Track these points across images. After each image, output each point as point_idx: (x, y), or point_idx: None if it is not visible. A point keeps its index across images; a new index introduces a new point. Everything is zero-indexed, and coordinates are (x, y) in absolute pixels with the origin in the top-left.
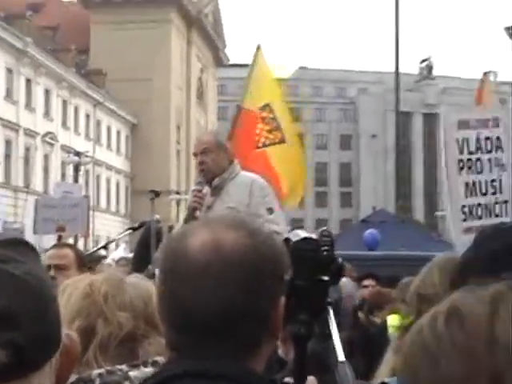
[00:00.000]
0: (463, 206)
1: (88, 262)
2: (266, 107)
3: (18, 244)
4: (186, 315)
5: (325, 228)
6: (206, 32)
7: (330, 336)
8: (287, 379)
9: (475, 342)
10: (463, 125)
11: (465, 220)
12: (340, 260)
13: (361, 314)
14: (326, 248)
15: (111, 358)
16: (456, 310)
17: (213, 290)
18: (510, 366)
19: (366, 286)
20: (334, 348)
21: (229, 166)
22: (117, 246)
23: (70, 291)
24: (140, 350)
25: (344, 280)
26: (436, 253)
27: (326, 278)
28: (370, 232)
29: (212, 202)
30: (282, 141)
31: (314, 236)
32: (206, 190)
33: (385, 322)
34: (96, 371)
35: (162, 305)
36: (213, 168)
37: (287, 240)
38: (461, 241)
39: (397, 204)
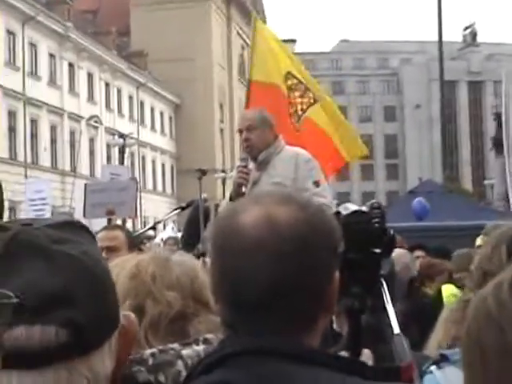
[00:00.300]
0: None
1: (138, 243)
2: (288, 75)
3: (74, 226)
4: (240, 291)
5: (375, 200)
6: (246, 8)
7: (384, 308)
8: (342, 353)
9: None
10: None
11: None
12: (392, 232)
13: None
14: (376, 220)
15: (162, 337)
16: None
17: (267, 265)
18: None
19: (416, 258)
20: (388, 320)
21: (274, 141)
22: (165, 226)
23: (117, 272)
24: (190, 328)
25: (400, 251)
26: (485, 221)
27: (377, 251)
28: (418, 200)
29: (258, 176)
30: (316, 100)
31: (364, 208)
32: (252, 165)
33: (439, 292)
34: (148, 351)
35: (215, 282)
36: (258, 144)
37: (338, 213)
38: None
39: (444, 174)
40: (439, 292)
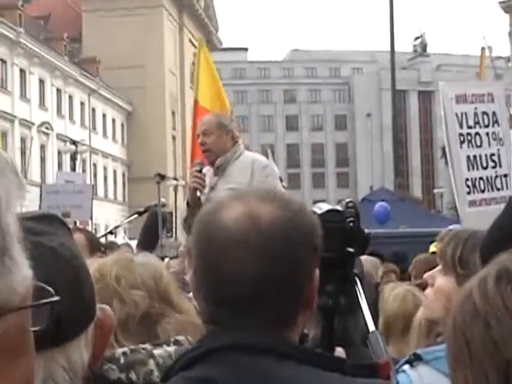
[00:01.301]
0: (466, 180)
1: (101, 247)
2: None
3: (51, 218)
4: (223, 287)
5: (350, 199)
6: (198, 16)
7: (357, 307)
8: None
9: None
10: (461, 99)
11: (469, 193)
12: (366, 231)
13: None
14: (351, 219)
15: (132, 338)
16: (506, 271)
17: (249, 262)
18: None
19: None
20: (362, 320)
21: (232, 146)
22: (115, 233)
23: None
24: (158, 328)
25: (365, 257)
26: (437, 229)
27: (352, 250)
28: (380, 205)
29: (215, 182)
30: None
31: (338, 208)
32: (207, 169)
33: None
34: (120, 350)
35: (197, 279)
36: (213, 149)
37: (313, 212)
38: (466, 213)
39: (395, 182)
40: None
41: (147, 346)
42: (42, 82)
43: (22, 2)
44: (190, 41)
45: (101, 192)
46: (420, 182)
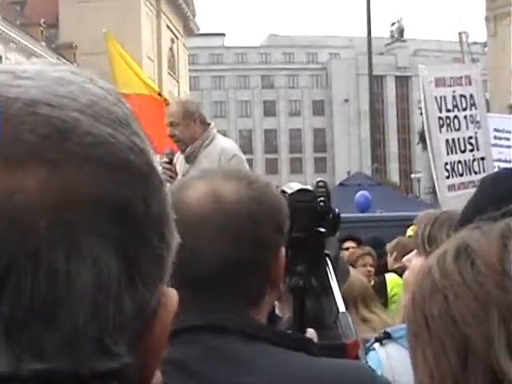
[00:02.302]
0: (446, 164)
1: None
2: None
3: None
4: (185, 268)
5: (321, 179)
6: (175, 1)
7: (328, 288)
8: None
9: (485, 277)
10: (440, 83)
11: (448, 177)
12: (337, 211)
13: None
14: (321, 199)
15: None
16: (465, 247)
17: (212, 241)
18: None
19: (346, 249)
20: (333, 299)
21: (203, 131)
22: None
23: None
24: None
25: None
26: (414, 213)
27: (322, 230)
28: (361, 194)
29: (187, 169)
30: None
31: (309, 187)
32: (177, 157)
33: (382, 282)
34: None
35: None
36: (182, 139)
37: (283, 192)
38: (445, 197)
39: (372, 166)
40: (382, 282)
41: None
42: None
43: None
44: (168, 26)
45: None
46: (397, 167)
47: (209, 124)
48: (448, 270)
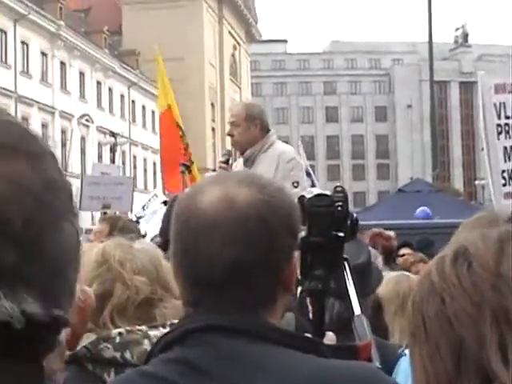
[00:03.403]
0: (503, 171)
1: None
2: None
3: None
4: (199, 270)
5: (338, 184)
6: (238, 7)
7: (346, 291)
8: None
9: (480, 278)
10: (500, 89)
11: (504, 185)
12: (355, 216)
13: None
14: (339, 204)
15: (128, 319)
16: (463, 250)
17: (224, 244)
18: None
19: (402, 255)
20: (350, 302)
21: (261, 137)
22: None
23: (83, 261)
24: (157, 313)
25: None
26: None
27: (340, 234)
28: (422, 210)
29: None
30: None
31: (327, 192)
32: (238, 161)
33: None
34: (116, 330)
35: (176, 261)
36: (240, 141)
37: (302, 197)
38: (501, 205)
39: (433, 173)
40: None
41: (143, 327)
42: (82, 74)
43: None
44: (230, 33)
45: (140, 184)
46: (461, 174)
47: (269, 130)
48: (446, 272)
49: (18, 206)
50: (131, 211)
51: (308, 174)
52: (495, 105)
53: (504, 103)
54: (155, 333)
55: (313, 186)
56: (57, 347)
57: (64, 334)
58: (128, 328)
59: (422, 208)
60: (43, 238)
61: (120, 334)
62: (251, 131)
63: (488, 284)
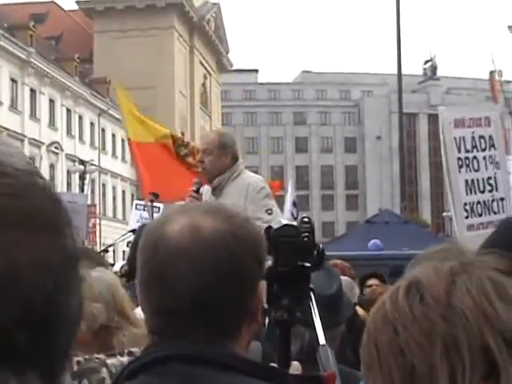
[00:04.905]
0: (465, 204)
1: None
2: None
3: None
4: (164, 299)
5: (305, 215)
6: (209, 38)
7: (311, 321)
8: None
9: (431, 309)
10: (459, 123)
11: (467, 217)
12: (321, 246)
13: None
14: (306, 234)
15: (87, 349)
16: (416, 282)
17: (189, 273)
18: (465, 331)
19: (369, 286)
20: (315, 332)
21: (231, 166)
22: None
23: None
24: (114, 340)
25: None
26: None
27: (306, 264)
28: (373, 242)
29: (213, 201)
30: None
31: (294, 223)
32: (205, 189)
33: None
34: (74, 358)
35: (142, 290)
36: (210, 169)
37: (269, 227)
38: (465, 238)
39: (401, 204)
40: None
41: (101, 355)
42: (52, 101)
43: (33, 22)
44: (201, 62)
45: (109, 212)
46: (429, 205)
47: (237, 159)
48: (399, 302)
49: (41, 288)
50: (95, 241)
51: (294, 204)
52: (455, 139)
53: (463, 137)
54: (113, 361)
55: (296, 217)
56: None
57: None
58: (86, 356)
59: (373, 240)
60: (56, 316)
61: (78, 362)
62: (222, 161)
63: (438, 314)
